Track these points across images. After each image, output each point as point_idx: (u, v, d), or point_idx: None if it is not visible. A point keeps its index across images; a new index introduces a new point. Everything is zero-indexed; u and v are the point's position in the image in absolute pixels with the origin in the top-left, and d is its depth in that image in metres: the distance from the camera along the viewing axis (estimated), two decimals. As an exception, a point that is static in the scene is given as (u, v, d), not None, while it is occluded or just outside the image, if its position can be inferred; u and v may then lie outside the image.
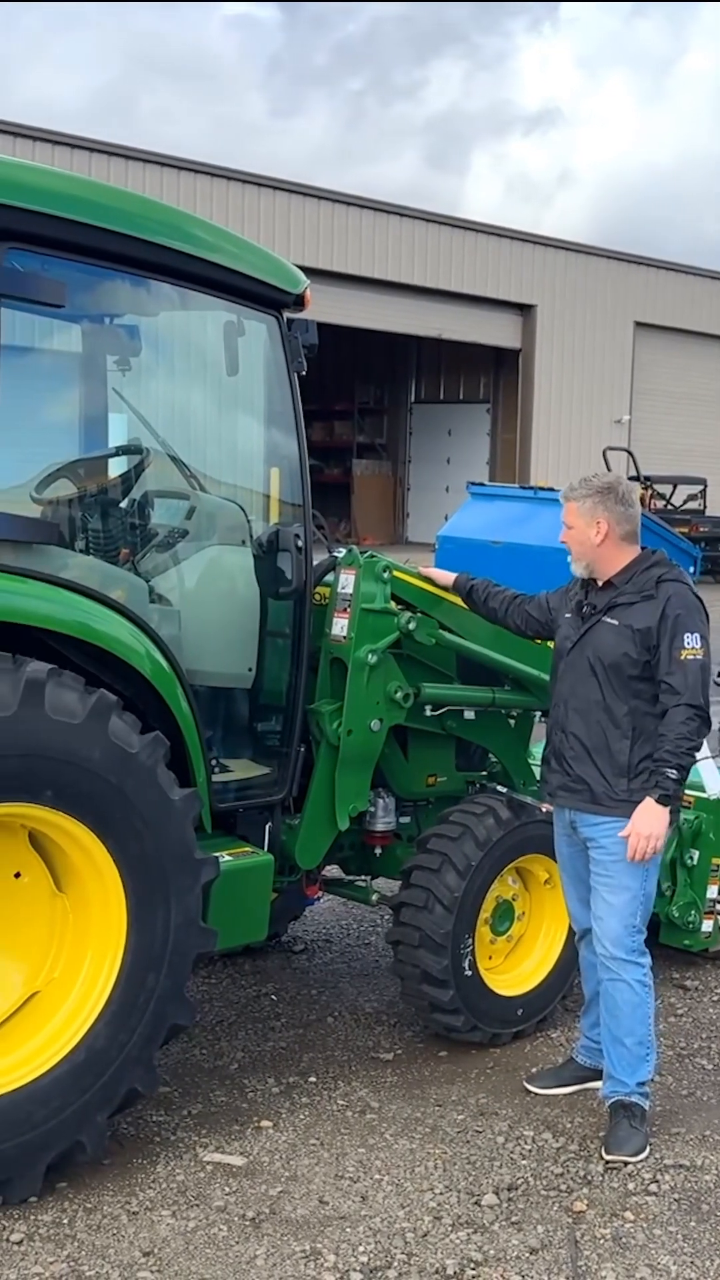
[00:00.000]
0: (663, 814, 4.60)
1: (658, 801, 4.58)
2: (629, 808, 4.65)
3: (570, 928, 5.44)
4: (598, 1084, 4.94)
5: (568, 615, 4.91)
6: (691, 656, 4.62)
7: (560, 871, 5.05)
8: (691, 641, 4.63)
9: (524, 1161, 4.59)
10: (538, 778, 5.13)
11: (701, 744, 4.77)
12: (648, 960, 4.80)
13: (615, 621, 4.70)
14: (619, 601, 4.72)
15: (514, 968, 5.58)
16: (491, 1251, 4.04)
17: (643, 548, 4.85)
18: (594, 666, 4.73)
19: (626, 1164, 4.61)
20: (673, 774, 4.58)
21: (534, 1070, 5.23)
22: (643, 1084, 4.78)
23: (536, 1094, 5.04)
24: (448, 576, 5.43)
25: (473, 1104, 4.98)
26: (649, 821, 4.59)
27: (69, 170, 4.86)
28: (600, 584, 4.81)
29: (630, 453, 28.41)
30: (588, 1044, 5.07)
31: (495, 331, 32.64)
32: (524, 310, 32.81)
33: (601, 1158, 4.61)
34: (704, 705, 4.65)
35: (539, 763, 6.30)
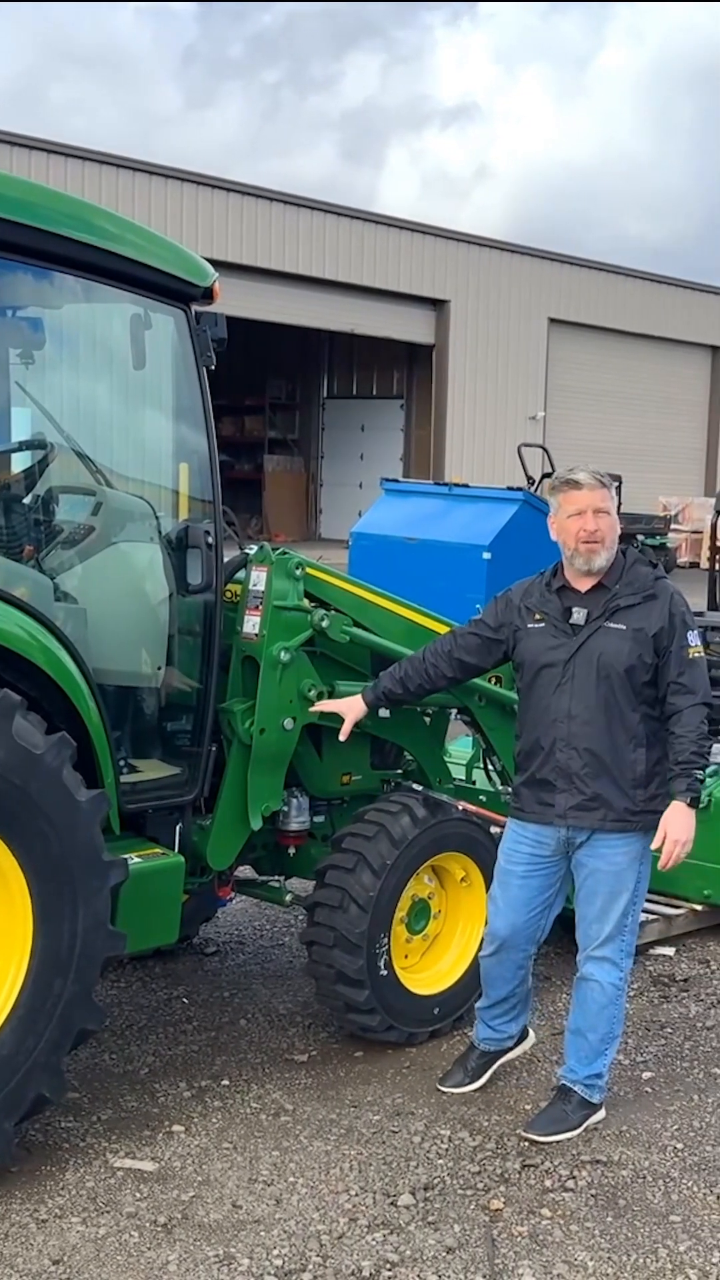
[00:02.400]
0: (693, 817, 4.56)
1: (689, 805, 4.55)
2: (648, 818, 4.61)
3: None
4: (508, 1057, 5.09)
5: (537, 625, 4.71)
6: (697, 654, 4.61)
7: (499, 889, 4.88)
8: (694, 639, 4.63)
9: (440, 1161, 4.56)
10: (515, 800, 4.92)
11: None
12: (629, 965, 4.82)
13: (622, 626, 4.58)
14: (619, 604, 4.61)
15: (430, 966, 5.55)
16: (408, 1252, 4.01)
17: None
18: (602, 675, 4.58)
19: (540, 1144, 4.68)
20: (700, 774, 4.56)
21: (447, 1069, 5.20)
22: (593, 1077, 4.81)
23: (450, 1094, 5.01)
24: (354, 705, 5.11)
25: (389, 1104, 4.95)
26: (682, 826, 4.53)
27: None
28: (584, 589, 4.67)
29: (545, 449, 28.49)
30: (489, 1034, 5.04)
31: (409, 327, 32.69)
32: (437, 305, 32.90)
33: (519, 1152, 4.61)
34: (712, 700, 4.65)
35: (452, 760, 6.30)
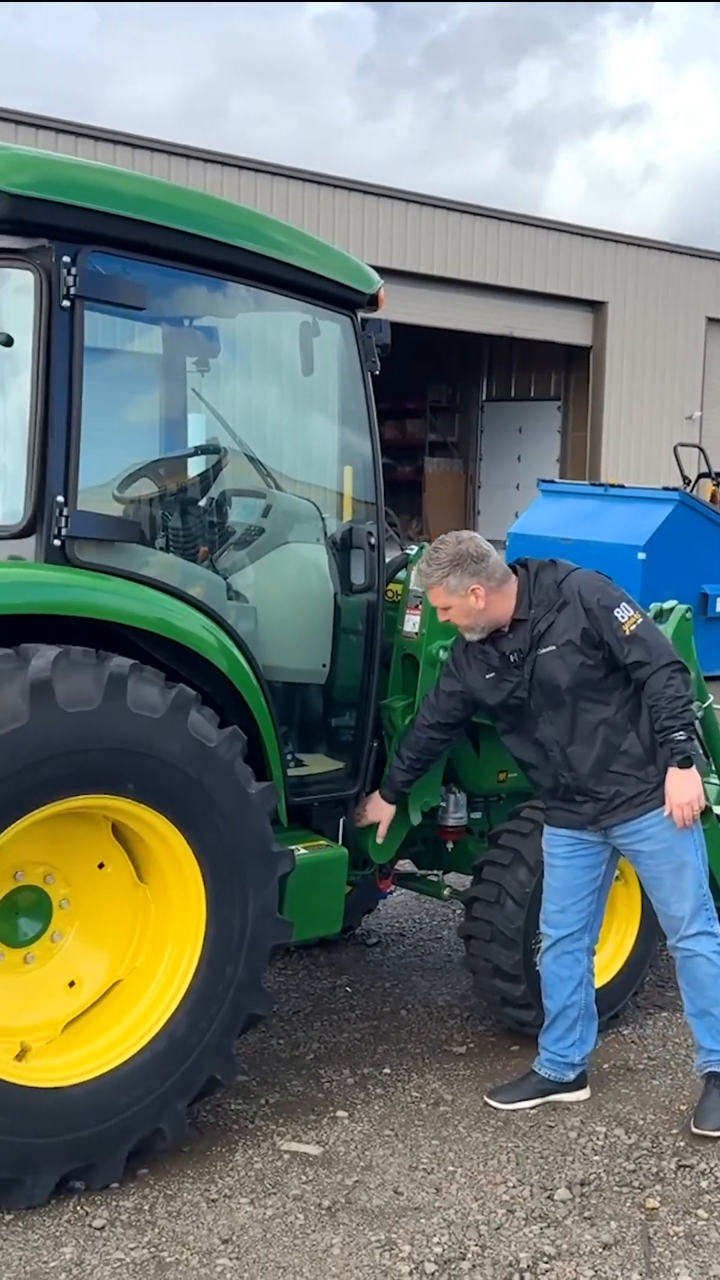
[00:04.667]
0: (692, 775, 4.63)
1: (680, 767, 4.62)
2: (662, 790, 4.68)
3: (640, 925, 5.47)
4: (561, 1097, 4.97)
5: (489, 676, 4.78)
6: (634, 624, 4.62)
7: (547, 876, 4.94)
8: (624, 613, 4.63)
9: (596, 1157, 4.61)
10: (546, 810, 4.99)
11: (692, 693, 4.76)
12: (719, 931, 4.84)
13: (552, 648, 4.65)
14: (540, 630, 4.67)
15: (586, 964, 5.58)
16: (565, 1246, 4.06)
17: (511, 565, 4.76)
18: (561, 697, 4.66)
19: (711, 1138, 4.68)
20: (680, 735, 4.61)
21: (501, 1083, 5.11)
22: None
23: (497, 1109, 4.92)
24: (381, 809, 5.12)
25: (545, 1098, 5.00)
26: (683, 789, 4.62)
27: (159, 176, 4.94)
28: (506, 631, 4.73)
29: (701, 449, 28.15)
30: (551, 1057, 4.98)
31: (566, 329, 32.47)
32: (595, 307, 32.64)
33: (674, 1152, 4.63)
34: (676, 657, 4.67)
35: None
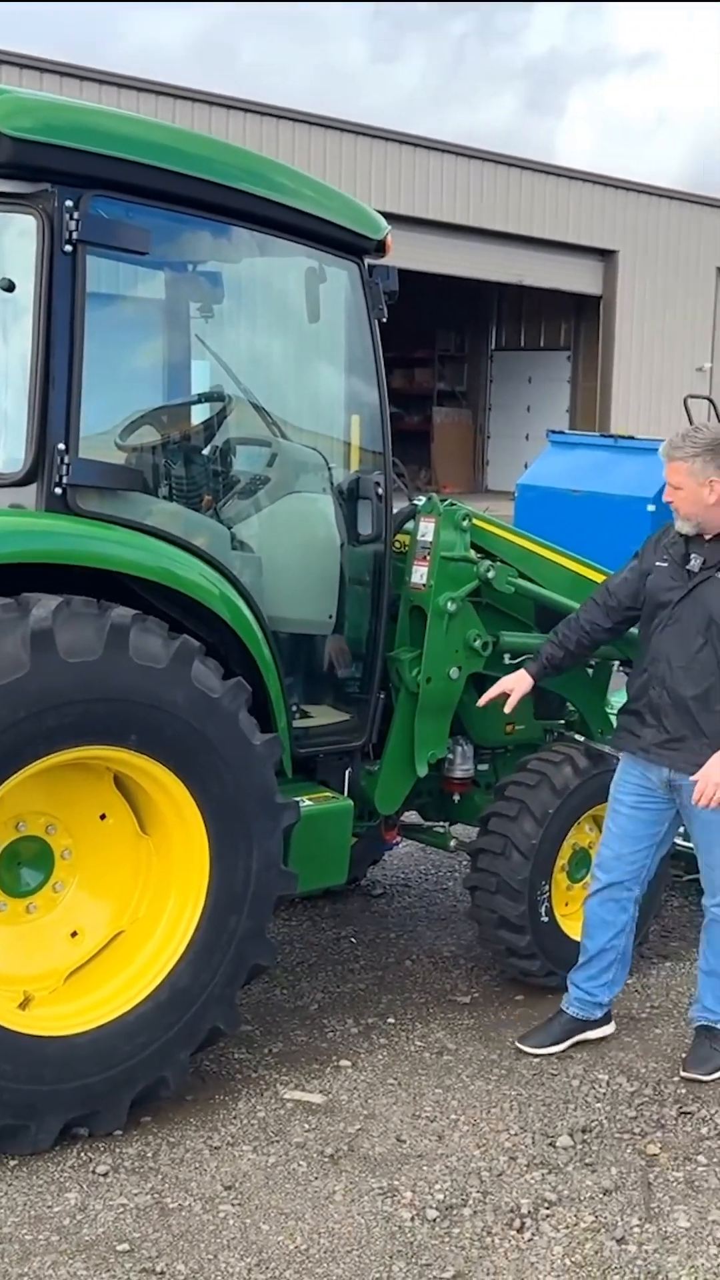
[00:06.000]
0: None
1: None
2: None
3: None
4: (590, 1034, 5.01)
5: (663, 564, 4.74)
6: None
7: (609, 820, 4.93)
8: None
9: (598, 1104, 4.63)
10: (615, 727, 5.07)
11: None
12: None
13: None
14: None
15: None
16: (565, 1192, 4.09)
17: None
18: (703, 624, 4.61)
19: (701, 1082, 4.74)
20: None
21: (529, 1029, 5.12)
22: None
23: (529, 1054, 4.94)
24: (521, 680, 5.03)
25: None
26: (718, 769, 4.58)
27: (169, 121, 4.88)
28: (709, 537, 4.68)
29: (712, 401, 28.00)
30: (581, 996, 5.00)
31: (576, 278, 32.25)
32: (605, 256, 32.39)
33: (675, 1099, 4.65)
34: None
35: (616, 711, 6.28)
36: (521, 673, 5.05)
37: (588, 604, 4.99)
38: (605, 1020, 5.08)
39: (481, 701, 5.09)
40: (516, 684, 5.03)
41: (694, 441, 4.59)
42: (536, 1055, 4.94)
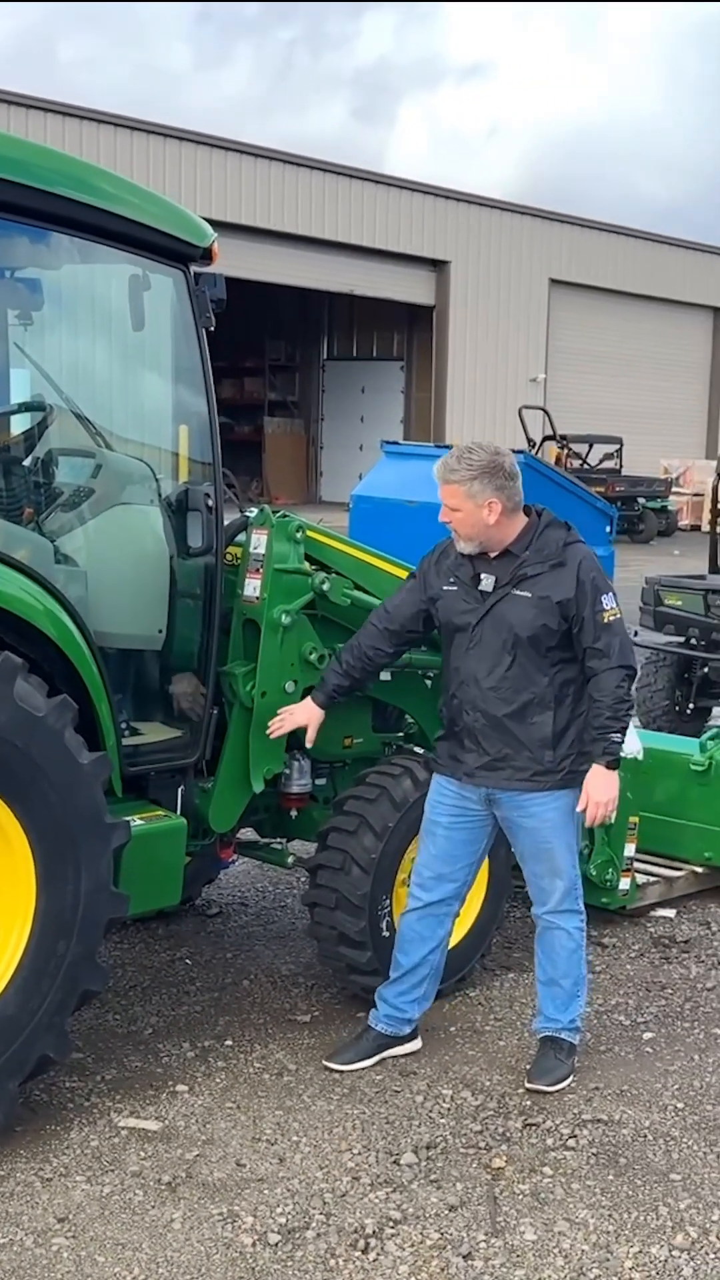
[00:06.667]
0: (614, 778, 4.70)
1: (608, 767, 4.67)
2: (558, 777, 4.70)
3: (488, 889, 5.46)
4: (397, 1050, 5.00)
5: (451, 588, 4.73)
6: (613, 618, 4.64)
7: (427, 841, 4.92)
8: (609, 603, 4.64)
9: (442, 1120, 4.59)
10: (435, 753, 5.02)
11: (633, 699, 4.82)
12: (583, 907, 4.94)
13: (528, 594, 4.61)
14: (526, 572, 4.63)
15: (431, 926, 5.56)
16: (410, 1210, 4.04)
17: (526, 506, 4.73)
18: (508, 641, 4.63)
19: (545, 1093, 4.76)
20: (616, 737, 4.66)
21: (341, 1045, 5.08)
22: (574, 1020, 4.93)
23: (338, 1071, 4.90)
24: (310, 711, 4.98)
25: (391, 1064, 4.96)
26: (604, 788, 4.68)
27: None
28: (493, 555, 4.69)
29: (546, 411, 28.48)
30: (391, 1012, 4.98)
31: (409, 288, 32.55)
32: (438, 266, 32.75)
33: (520, 1111, 4.65)
34: (633, 665, 4.70)
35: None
36: (309, 704, 5.02)
37: (368, 629, 4.96)
38: (413, 1036, 5.06)
39: (271, 735, 5.02)
40: (309, 717, 5.00)
41: (469, 464, 4.57)
42: (343, 1071, 4.89)
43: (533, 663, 4.65)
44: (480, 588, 4.68)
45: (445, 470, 4.62)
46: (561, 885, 4.84)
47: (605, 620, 4.61)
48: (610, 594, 4.66)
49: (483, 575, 4.68)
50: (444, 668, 4.90)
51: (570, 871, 4.85)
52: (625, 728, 4.71)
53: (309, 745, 5.09)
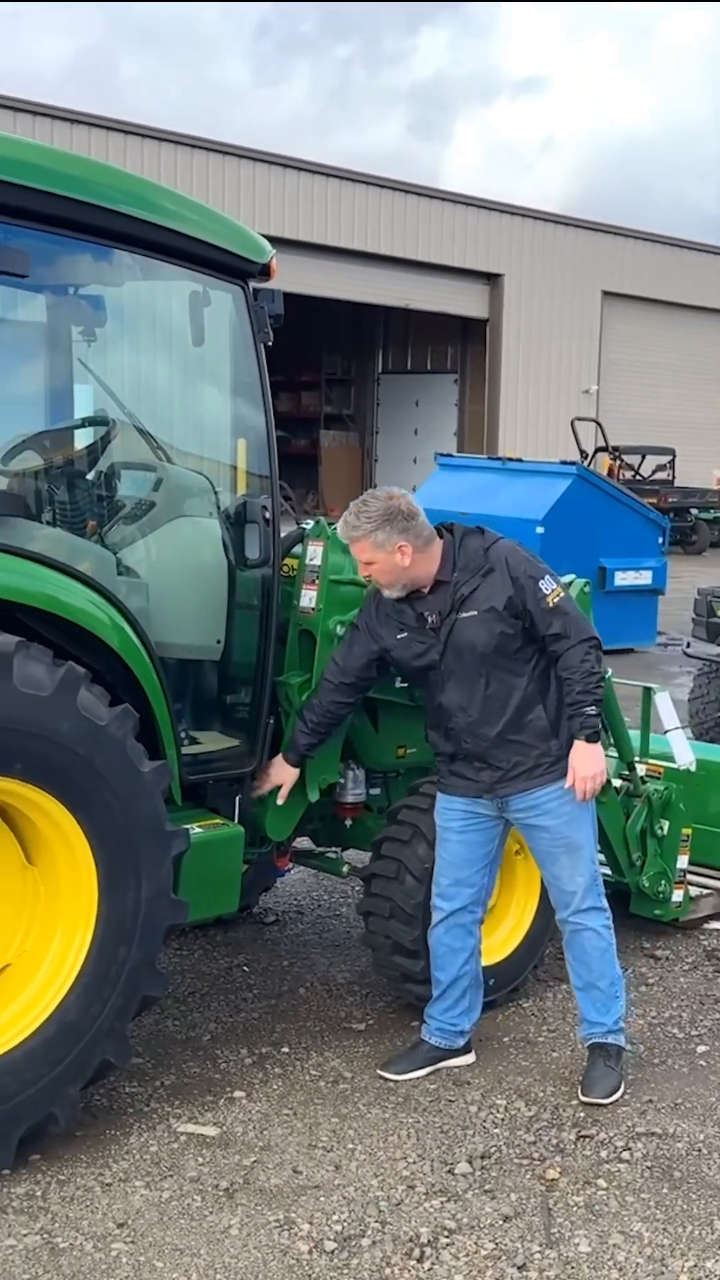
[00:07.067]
0: (597, 750, 4.71)
1: (588, 741, 4.68)
2: (563, 764, 4.72)
3: (541, 899, 5.47)
4: (451, 1062, 5.01)
5: (402, 635, 4.75)
6: (558, 599, 4.66)
7: (440, 849, 4.94)
8: (548, 586, 4.66)
9: (497, 1130, 4.60)
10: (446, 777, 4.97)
11: (604, 669, 4.81)
12: (607, 904, 4.94)
13: (474, 612, 4.64)
14: (463, 593, 4.66)
15: (486, 938, 5.55)
16: (465, 1219, 4.06)
17: (436, 528, 4.72)
18: (475, 664, 4.66)
19: (601, 1105, 4.74)
20: (591, 710, 4.67)
21: (393, 1054, 5.12)
22: (617, 1021, 4.92)
23: (392, 1080, 4.93)
24: (284, 772, 5.01)
25: (444, 1074, 4.98)
26: (587, 762, 4.69)
27: (46, 142, 4.82)
28: (426, 592, 4.72)
29: (598, 423, 28.45)
30: (442, 1026, 5.00)
31: (462, 301, 32.58)
32: (491, 279, 32.75)
33: (574, 1123, 4.65)
34: (594, 634, 4.71)
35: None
36: (280, 763, 5.02)
37: (324, 686, 4.95)
38: (466, 1049, 5.07)
39: (255, 794, 5.03)
40: (285, 778, 5.02)
41: (368, 516, 4.59)
42: (396, 1080, 4.92)
43: (506, 670, 4.68)
44: (429, 626, 4.71)
45: (347, 529, 4.65)
46: (583, 882, 4.82)
47: (550, 605, 4.63)
48: (547, 577, 4.67)
49: (426, 614, 4.71)
50: (426, 704, 4.92)
51: (590, 866, 4.84)
52: (599, 699, 4.70)
53: (280, 804, 5.06)
